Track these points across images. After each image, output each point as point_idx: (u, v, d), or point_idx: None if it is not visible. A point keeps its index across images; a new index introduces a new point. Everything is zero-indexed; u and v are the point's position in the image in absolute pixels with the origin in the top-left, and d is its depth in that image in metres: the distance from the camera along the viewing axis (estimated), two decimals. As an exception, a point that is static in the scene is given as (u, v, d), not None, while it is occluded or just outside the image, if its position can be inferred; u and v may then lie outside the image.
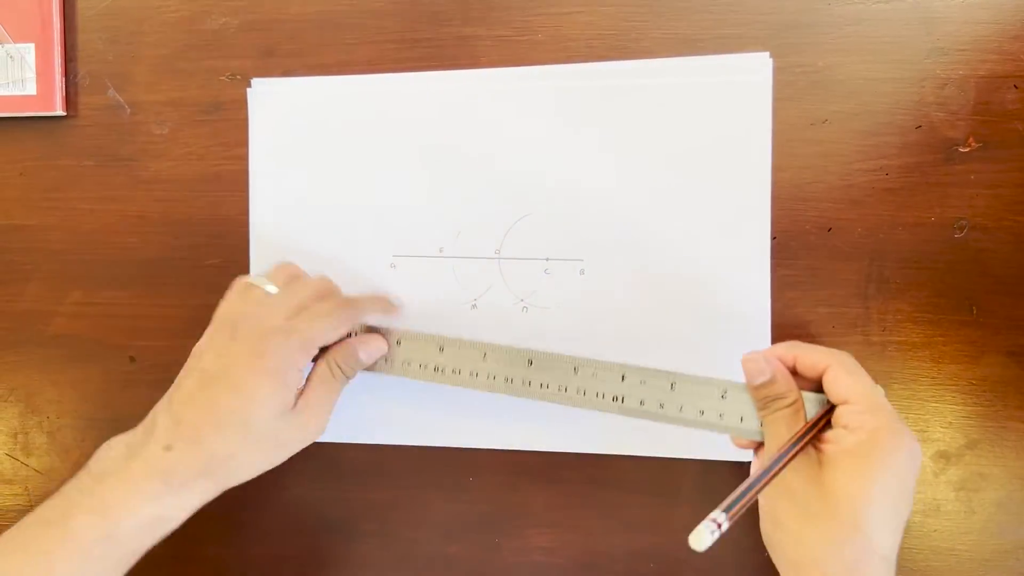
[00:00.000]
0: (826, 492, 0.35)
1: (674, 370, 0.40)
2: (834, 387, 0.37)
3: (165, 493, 0.37)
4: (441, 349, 0.43)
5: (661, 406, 0.40)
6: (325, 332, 0.41)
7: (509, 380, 0.42)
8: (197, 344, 0.41)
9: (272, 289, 0.41)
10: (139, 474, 0.37)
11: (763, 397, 0.39)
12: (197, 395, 0.38)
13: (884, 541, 0.35)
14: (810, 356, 0.38)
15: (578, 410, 0.45)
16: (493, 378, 0.42)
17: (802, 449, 0.37)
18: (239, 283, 0.42)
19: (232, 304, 0.41)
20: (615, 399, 0.41)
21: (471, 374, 0.42)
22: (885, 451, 0.35)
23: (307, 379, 0.41)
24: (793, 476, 0.36)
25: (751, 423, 0.39)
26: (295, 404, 0.39)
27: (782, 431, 0.38)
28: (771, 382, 0.38)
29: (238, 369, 0.38)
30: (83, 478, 0.38)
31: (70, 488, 0.37)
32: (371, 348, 0.42)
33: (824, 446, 0.37)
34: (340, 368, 0.41)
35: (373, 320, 0.44)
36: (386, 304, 0.45)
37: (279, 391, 0.38)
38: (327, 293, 0.42)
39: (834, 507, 0.35)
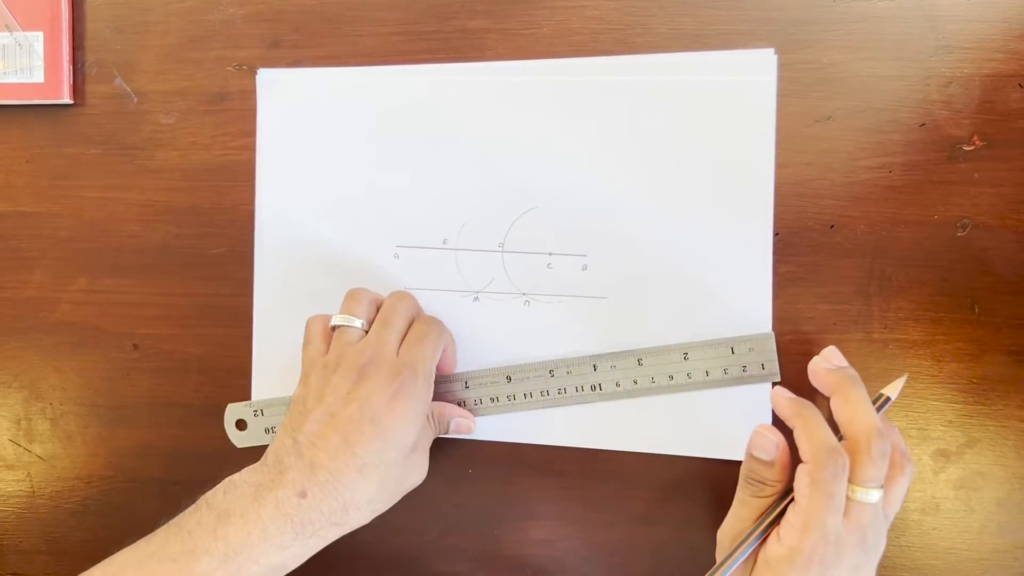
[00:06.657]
0: None
1: (637, 347, 0.44)
2: (836, 414, 0.38)
3: (293, 542, 0.35)
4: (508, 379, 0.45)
5: (635, 383, 0.44)
6: (435, 357, 0.40)
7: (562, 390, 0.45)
8: (297, 391, 0.40)
9: (359, 324, 0.40)
10: (269, 520, 0.34)
11: (752, 471, 0.39)
12: (332, 438, 0.35)
13: None
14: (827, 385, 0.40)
15: (577, 404, 0.46)
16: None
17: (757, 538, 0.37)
18: (321, 325, 0.41)
19: (329, 347, 0.40)
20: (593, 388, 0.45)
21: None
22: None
23: None
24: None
25: (716, 374, 0.44)
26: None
27: (749, 513, 0.38)
28: (768, 464, 0.38)
29: (375, 409, 0.36)
30: (205, 513, 0.35)
31: (190, 522, 0.35)
32: (462, 427, 0.44)
33: (764, 545, 0.37)
34: (436, 422, 0.43)
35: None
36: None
37: (416, 426, 0.38)
38: (411, 310, 0.42)
39: None
